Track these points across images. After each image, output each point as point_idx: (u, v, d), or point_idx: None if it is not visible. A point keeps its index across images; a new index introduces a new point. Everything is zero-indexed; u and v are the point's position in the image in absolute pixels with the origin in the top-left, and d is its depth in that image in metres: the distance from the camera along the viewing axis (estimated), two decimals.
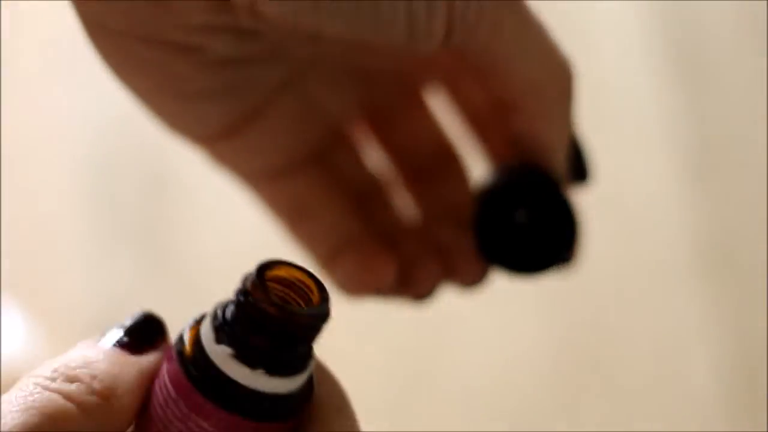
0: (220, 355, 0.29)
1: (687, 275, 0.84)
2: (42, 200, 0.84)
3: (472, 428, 0.79)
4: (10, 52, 0.89)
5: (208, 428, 0.29)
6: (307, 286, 0.30)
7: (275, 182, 0.43)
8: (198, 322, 0.31)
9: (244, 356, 0.29)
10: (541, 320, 0.82)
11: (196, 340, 0.30)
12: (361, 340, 0.80)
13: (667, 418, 0.80)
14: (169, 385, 0.30)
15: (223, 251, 0.81)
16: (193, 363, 0.30)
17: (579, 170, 0.42)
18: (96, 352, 0.30)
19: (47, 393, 0.29)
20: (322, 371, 0.32)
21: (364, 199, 0.43)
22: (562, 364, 0.81)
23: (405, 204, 0.44)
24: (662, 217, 0.86)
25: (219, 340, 0.30)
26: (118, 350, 0.31)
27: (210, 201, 0.81)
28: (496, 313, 0.82)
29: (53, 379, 0.30)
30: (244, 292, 0.30)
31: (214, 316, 0.30)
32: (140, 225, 0.83)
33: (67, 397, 0.29)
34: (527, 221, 0.40)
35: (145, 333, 0.32)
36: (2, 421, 0.28)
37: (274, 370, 0.30)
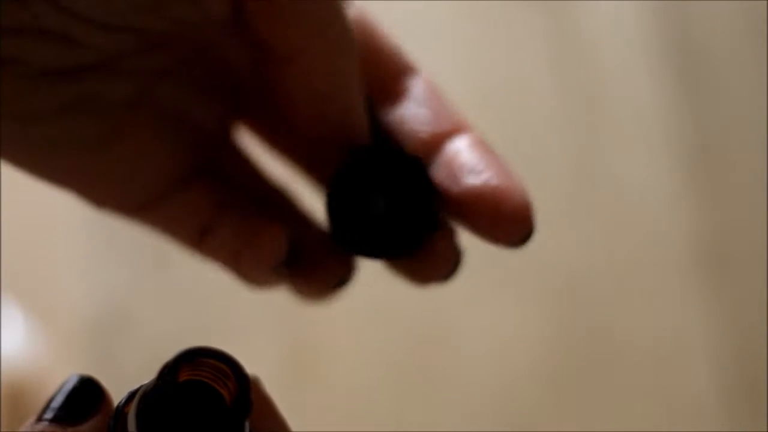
0: None
1: (687, 275, 0.84)
2: (42, 200, 0.84)
3: (472, 429, 0.79)
4: None
5: None
6: (226, 374, 0.30)
7: (156, 209, 0.39)
8: (129, 400, 0.30)
9: None
10: (540, 320, 0.82)
11: (124, 422, 0.29)
12: (361, 340, 0.80)
13: (667, 418, 0.80)
14: None
15: None
16: None
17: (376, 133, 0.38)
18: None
19: None
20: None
21: (265, 205, 0.40)
22: (561, 364, 0.81)
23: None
24: (662, 217, 0.86)
25: (140, 427, 0.29)
26: (58, 427, 0.30)
27: None
28: (495, 313, 0.82)
29: None
30: (158, 383, 0.29)
31: (139, 400, 0.29)
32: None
33: None
34: (379, 204, 0.37)
35: (81, 402, 0.31)
36: None
37: None
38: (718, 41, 0.92)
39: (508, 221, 0.36)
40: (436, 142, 0.38)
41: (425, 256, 0.37)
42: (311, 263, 0.38)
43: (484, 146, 0.38)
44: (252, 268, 0.38)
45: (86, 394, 0.31)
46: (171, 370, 0.29)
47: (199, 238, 0.39)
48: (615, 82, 0.91)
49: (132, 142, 0.36)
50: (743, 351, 0.82)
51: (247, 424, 0.30)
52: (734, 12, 0.93)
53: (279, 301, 0.81)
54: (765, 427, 0.78)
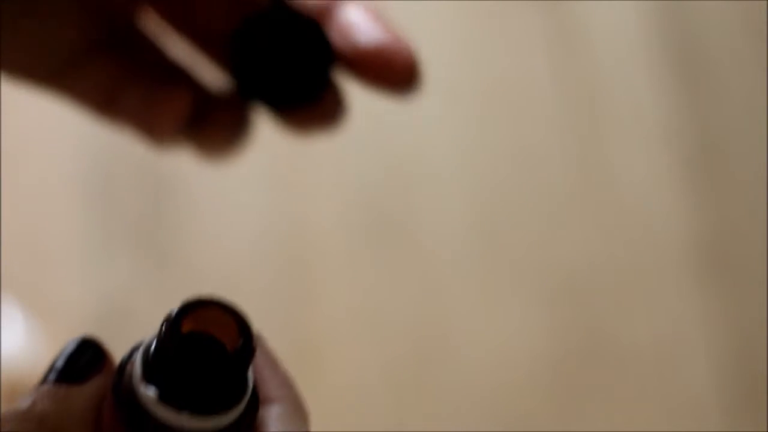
0: (147, 396, 0.29)
1: (687, 275, 0.84)
2: (42, 200, 0.84)
3: (472, 428, 0.79)
4: None
5: None
6: (228, 324, 0.30)
7: (65, 78, 0.43)
8: (132, 354, 0.31)
9: (168, 399, 0.29)
10: (540, 320, 0.82)
11: (129, 376, 0.30)
12: (361, 340, 0.80)
13: (666, 418, 0.80)
14: (106, 419, 0.30)
15: (223, 250, 0.81)
16: (125, 400, 0.30)
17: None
18: (40, 395, 0.30)
19: None
20: (279, 389, 0.32)
21: (169, 77, 0.44)
22: (561, 364, 0.81)
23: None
24: (662, 217, 0.86)
25: (146, 379, 0.30)
26: (61, 387, 0.31)
27: (209, 200, 0.81)
28: (495, 313, 0.82)
29: (8, 423, 0.30)
30: (161, 336, 0.30)
31: (144, 353, 0.30)
32: (140, 225, 0.83)
33: None
34: (279, 57, 0.41)
35: (84, 362, 0.31)
36: None
37: (200, 410, 0.29)
38: (718, 41, 0.92)
39: (398, 73, 0.41)
40: (329, 7, 0.42)
41: (317, 108, 0.42)
42: (212, 121, 0.43)
43: (373, 11, 0.43)
44: (160, 128, 0.43)
45: (87, 353, 0.32)
46: (174, 322, 0.29)
47: (107, 106, 0.43)
48: (615, 82, 0.91)
49: (43, 13, 0.40)
50: (743, 351, 0.82)
51: (250, 374, 0.30)
52: (734, 12, 0.93)
53: (279, 301, 0.81)
54: (765, 427, 0.78)
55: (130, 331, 0.78)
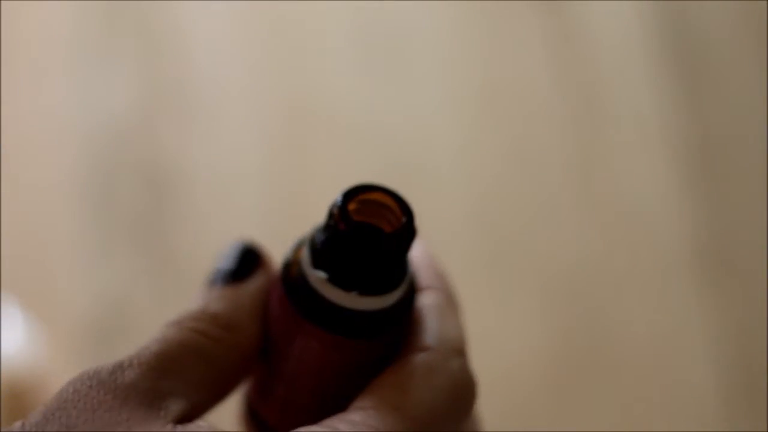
0: (317, 279, 0.32)
1: (686, 275, 0.84)
2: (42, 200, 0.84)
3: None
4: (10, 51, 0.89)
5: (313, 345, 0.32)
6: (390, 208, 0.32)
7: None
8: (300, 246, 0.33)
9: (337, 280, 0.31)
10: (541, 321, 0.82)
11: (297, 264, 0.32)
12: None
13: (666, 418, 0.80)
14: (277, 307, 0.33)
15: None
16: (295, 286, 0.32)
17: None
18: (210, 296, 0.34)
19: (181, 330, 0.32)
20: (434, 279, 0.34)
21: None
22: (561, 365, 0.81)
23: None
24: (662, 218, 0.86)
25: (315, 264, 0.32)
26: (227, 287, 0.34)
27: (209, 201, 0.81)
28: (495, 313, 0.82)
29: (184, 323, 0.33)
30: (330, 220, 0.31)
31: (312, 240, 0.32)
32: (140, 225, 0.83)
33: (199, 332, 0.32)
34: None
35: (244, 262, 0.35)
36: (144, 346, 0.31)
37: (367, 290, 0.31)
38: (718, 41, 0.92)
39: None
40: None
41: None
42: None
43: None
44: None
45: (246, 254, 0.35)
46: (342, 207, 0.31)
47: None
48: (615, 82, 0.91)
49: None
50: (743, 350, 0.82)
51: (409, 260, 0.32)
52: (734, 12, 0.93)
53: None
54: (765, 427, 0.78)
55: (130, 329, 0.78)
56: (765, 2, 0.92)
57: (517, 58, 0.92)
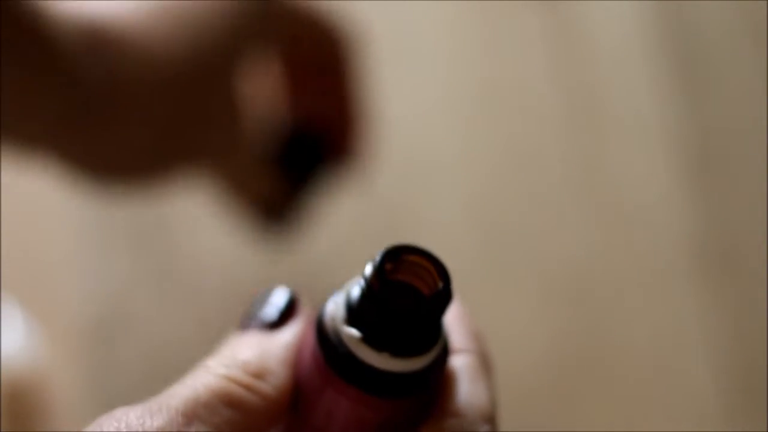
0: (350, 337, 0.32)
1: (687, 275, 0.84)
2: (41, 200, 0.84)
3: None
4: None
5: (343, 401, 0.32)
6: (428, 270, 0.32)
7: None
8: (334, 300, 0.33)
9: (371, 340, 0.31)
10: (540, 321, 0.82)
11: (332, 319, 0.32)
12: None
13: (666, 418, 0.80)
14: (308, 357, 0.33)
15: (222, 251, 0.81)
16: (328, 340, 0.32)
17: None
18: (241, 342, 0.34)
19: (211, 375, 0.32)
20: (468, 342, 0.34)
21: None
22: (561, 365, 0.81)
23: None
24: (662, 218, 0.86)
25: (350, 322, 0.32)
26: (261, 333, 0.34)
27: (208, 201, 0.81)
28: (495, 313, 0.82)
29: (214, 368, 0.33)
30: (367, 281, 0.32)
31: (347, 297, 0.32)
32: (139, 226, 0.84)
33: (230, 379, 0.32)
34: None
35: (279, 310, 0.35)
36: (174, 392, 0.32)
37: (400, 352, 0.32)
38: (718, 41, 0.92)
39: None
40: None
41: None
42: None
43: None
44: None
45: (281, 302, 0.35)
46: (379, 268, 0.32)
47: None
48: (615, 82, 0.91)
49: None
50: (743, 351, 0.82)
51: (444, 322, 0.33)
52: (734, 12, 0.93)
53: None
54: (765, 427, 0.78)
55: (130, 331, 0.78)
56: (765, 2, 0.92)
57: (516, 56, 0.92)
